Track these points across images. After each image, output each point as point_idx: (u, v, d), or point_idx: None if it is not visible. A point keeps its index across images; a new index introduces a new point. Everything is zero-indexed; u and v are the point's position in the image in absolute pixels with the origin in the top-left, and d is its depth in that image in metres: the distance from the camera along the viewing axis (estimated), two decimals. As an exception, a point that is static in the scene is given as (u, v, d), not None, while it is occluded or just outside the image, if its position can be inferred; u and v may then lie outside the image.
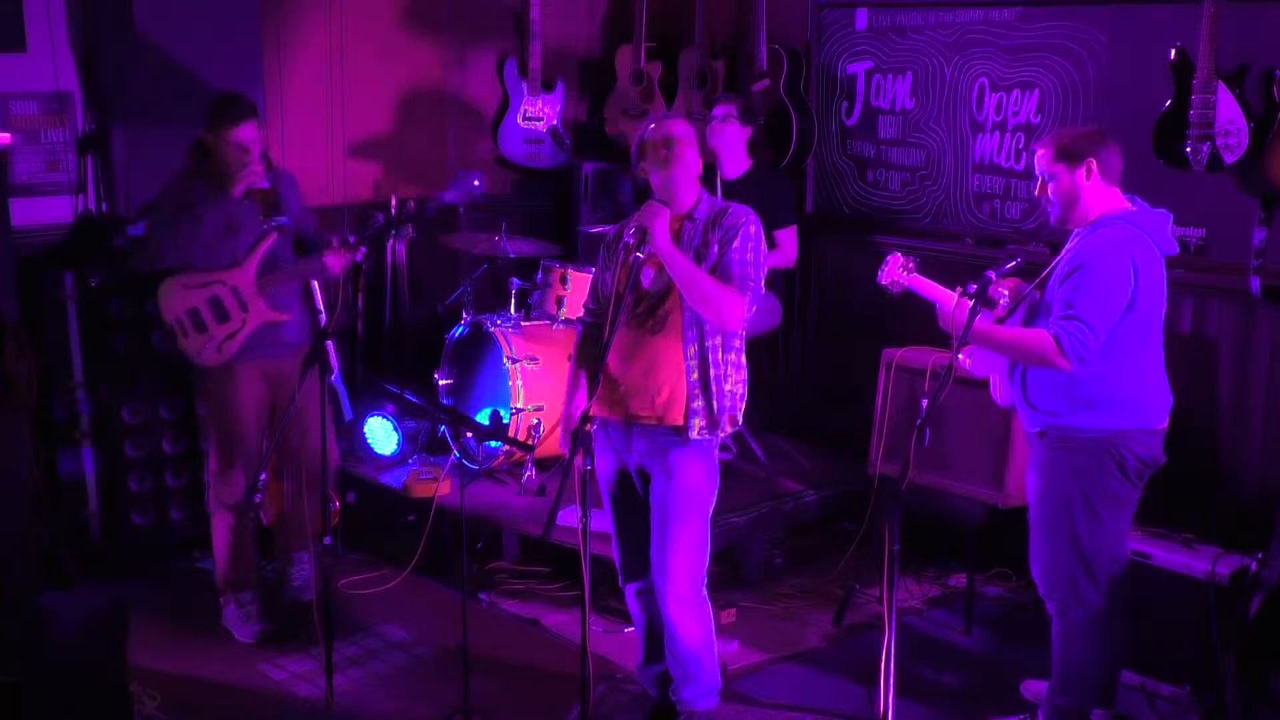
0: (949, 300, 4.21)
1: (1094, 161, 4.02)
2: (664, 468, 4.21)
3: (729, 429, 4.26)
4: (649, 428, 4.21)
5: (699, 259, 4.15)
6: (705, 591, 4.34)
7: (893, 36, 6.32)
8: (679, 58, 7.01)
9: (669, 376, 4.18)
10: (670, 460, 4.19)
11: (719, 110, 6.02)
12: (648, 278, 4.22)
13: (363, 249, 4.84)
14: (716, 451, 4.29)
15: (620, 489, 4.37)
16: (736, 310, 4.09)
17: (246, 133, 4.87)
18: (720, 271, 4.13)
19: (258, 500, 5.40)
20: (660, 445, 4.20)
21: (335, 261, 4.96)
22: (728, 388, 4.21)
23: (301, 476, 5.15)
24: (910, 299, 4.51)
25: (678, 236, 4.20)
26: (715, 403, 4.18)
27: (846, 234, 6.62)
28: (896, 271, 4.34)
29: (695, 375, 4.17)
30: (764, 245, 4.23)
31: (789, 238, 6.06)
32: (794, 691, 4.82)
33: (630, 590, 4.48)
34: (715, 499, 4.31)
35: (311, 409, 5.11)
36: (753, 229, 4.18)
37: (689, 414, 4.16)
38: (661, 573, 4.26)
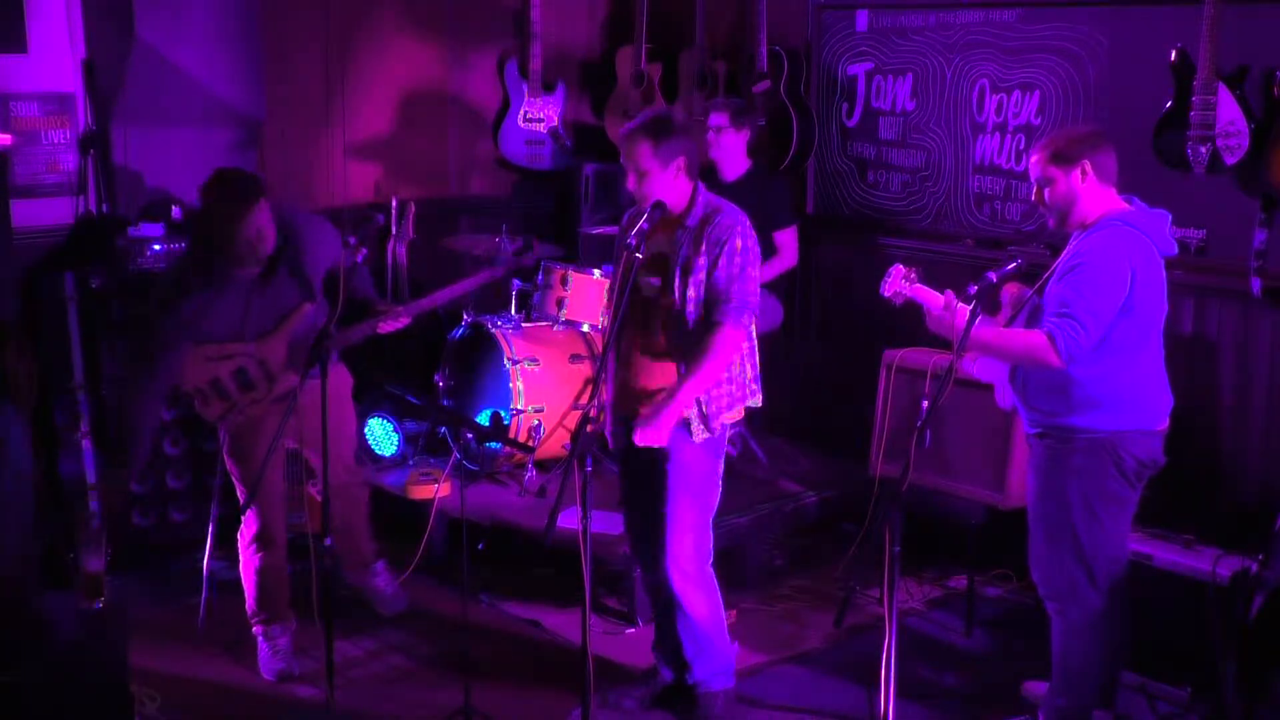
0: (938, 304, 4.20)
1: (1089, 163, 4.02)
2: (666, 452, 4.28)
3: (733, 420, 4.35)
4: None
5: (686, 272, 4.17)
6: (711, 569, 4.43)
7: (893, 38, 6.32)
8: (679, 59, 7.01)
9: (665, 376, 4.26)
10: (671, 446, 4.26)
11: (713, 120, 6.00)
12: (644, 281, 4.25)
13: (363, 251, 4.82)
14: (722, 440, 4.36)
15: (632, 474, 4.47)
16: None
17: (261, 217, 4.48)
18: (710, 295, 4.15)
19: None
20: None
21: (388, 328, 4.83)
22: (723, 389, 4.26)
23: (337, 487, 4.97)
24: (912, 305, 4.50)
25: (672, 244, 4.23)
26: (707, 407, 4.24)
27: (847, 235, 6.62)
28: (899, 283, 4.33)
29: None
30: (753, 254, 4.20)
31: (789, 240, 6.07)
32: (795, 693, 4.82)
33: (641, 571, 4.62)
34: (719, 480, 4.39)
35: (341, 432, 5.06)
36: (738, 242, 4.15)
37: (687, 416, 4.23)
38: (666, 549, 4.35)
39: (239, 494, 4.91)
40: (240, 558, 4.95)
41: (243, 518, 4.88)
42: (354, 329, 4.88)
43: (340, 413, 5.07)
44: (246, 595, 4.96)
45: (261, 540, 4.88)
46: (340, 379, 5.07)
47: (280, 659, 4.90)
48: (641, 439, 4.18)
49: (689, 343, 4.19)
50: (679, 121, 4.25)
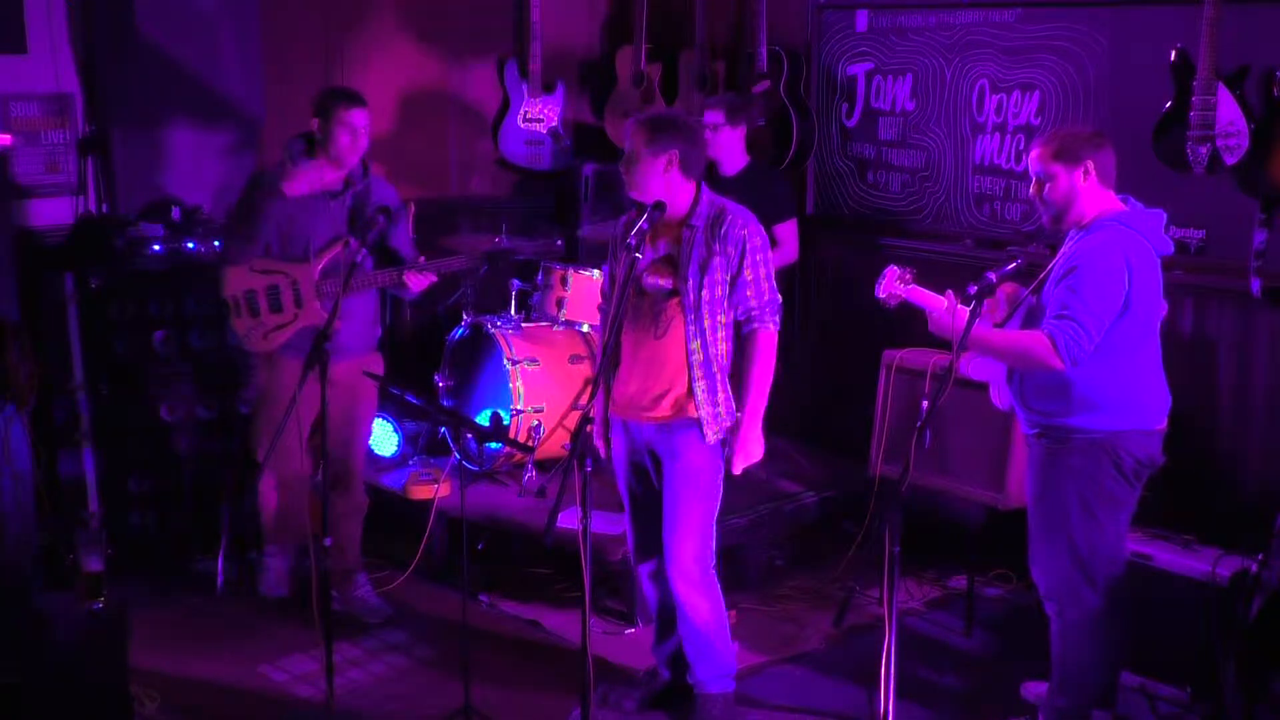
0: (939, 305, 4.19)
1: (1092, 163, 4.02)
2: (672, 452, 4.32)
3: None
4: (658, 423, 4.32)
5: (702, 272, 4.19)
6: (714, 573, 4.43)
7: (893, 38, 6.32)
8: (679, 59, 7.01)
9: (674, 377, 4.27)
10: (677, 445, 4.30)
11: (708, 118, 6.00)
12: (650, 281, 4.25)
13: (363, 251, 4.83)
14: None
15: (634, 475, 4.49)
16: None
17: (359, 117, 4.96)
18: (741, 301, 4.23)
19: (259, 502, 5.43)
20: (669, 433, 4.31)
21: (416, 282, 5.03)
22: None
23: (343, 489, 5.22)
24: (908, 306, 4.51)
25: (678, 245, 4.24)
26: (724, 407, 4.28)
27: (847, 235, 6.62)
28: (894, 284, 4.33)
29: (701, 377, 4.25)
30: (768, 250, 4.30)
31: (789, 233, 6.06)
32: (794, 693, 4.82)
33: (643, 571, 4.60)
34: (722, 483, 4.40)
35: (360, 423, 5.27)
36: (756, 241, 4.24)
37: (700, 417, 4.25)
38: (669, 552, 4.36)
39: (259, 451, 5.19)
40: (261, 500, 5.37)
41: (263, 471, 5.25)
42: (382, 273, 5.05)
43: (366, 408, 5.27)
44: (263, 515, 5.40)
45: (282, 482, 5.30)
46: (369, 385, 5.14)
47: (270, 582, 5.39)
48: (744, 463, 4.32)
49: (705, 334, 4.22)
50: (681, 121, 4.30)
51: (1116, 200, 4.09)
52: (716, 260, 4.19)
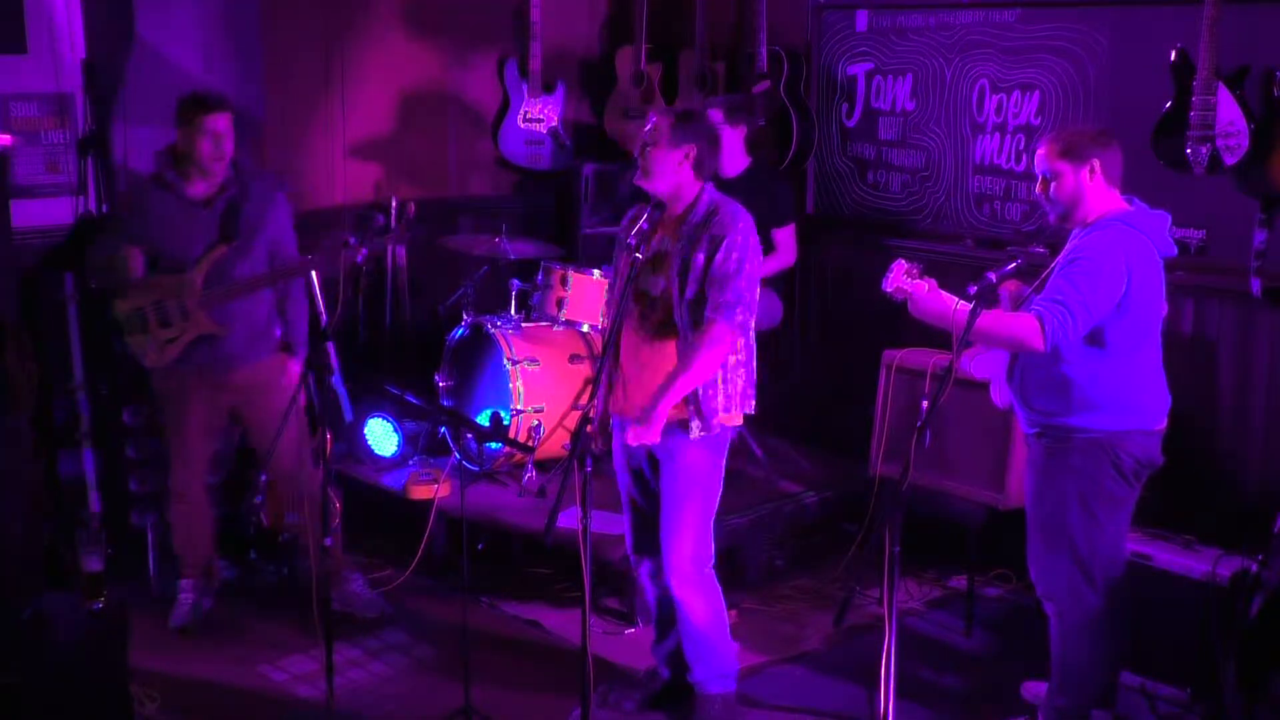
0: (949, 302, 4.19)
1: (1098, 161, 4.02)
2: (668, 453, 4.29)
3: (731, 423, 4.31)
4: None
5: (685, 270, 4.15)
6: (711, 572, 4.42)
7: (893, 38, 6.32)
8: (679, 59, 7.01)
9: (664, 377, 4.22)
10: (670, 446, 4.26)
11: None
12: (651, 282, 4.24)
13: (364, 250, 4.82)
14: (723, 442, 4.33)
15: (632, 475, 4.47)
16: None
17: (220, 122, 4.89)
18: (704, 291, 4.13)
19: (258, 501, 5.42)
20: (663, 434, 4.24)
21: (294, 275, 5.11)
22: (718, 388, 4.23)
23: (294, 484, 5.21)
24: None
25: (675, 243, 4.22)
26: (703, 405, 4.21)
27: (847, 235, 6.62)
28: (901, 279, 4.32)
29: None
30: (752, 251, 4.18)
31: (787, 238, 6.06)
32: (795, 693, 4.82)
33: (643, 571, 4.59)
34: (720, 481, 4.37)
35: (287, 423, 5.11)
36: (737, 238, 4.13)
37: (688, 418, 4.22)
38: (666, 552, 4.35)
39: (174, 462, 5.23)
40: (174, 522, 5.30)
41: (172, 480, 5.25)
42: (252, 280, 5.01)
43: (290, 406, 5.05)
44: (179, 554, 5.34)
45: (178, 494, 5.23)
46: (285, 385, 5.08)
47: (180, 614, 5.20)
48: (635, 437, 4.20)
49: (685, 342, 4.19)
50: (708, 122, 4.33)
51: (1122, 200, 4.08)
52: (699, 257, 4.14)
